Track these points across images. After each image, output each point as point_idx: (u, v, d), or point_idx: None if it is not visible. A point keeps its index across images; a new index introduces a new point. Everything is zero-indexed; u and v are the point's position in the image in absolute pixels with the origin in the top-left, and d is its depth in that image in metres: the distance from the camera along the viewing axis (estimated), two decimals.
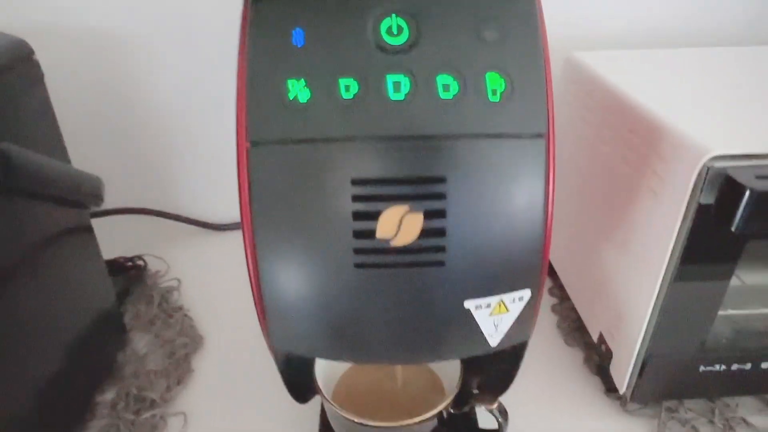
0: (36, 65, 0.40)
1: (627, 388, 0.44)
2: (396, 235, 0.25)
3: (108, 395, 0.49)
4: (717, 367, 0.42)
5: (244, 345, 0.54)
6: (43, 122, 0.41)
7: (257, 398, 0.48)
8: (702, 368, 0.42)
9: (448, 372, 0.38)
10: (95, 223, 0.50)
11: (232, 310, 0.58)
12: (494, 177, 0.25)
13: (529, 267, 0.27)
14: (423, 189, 0.25)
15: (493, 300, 0.27)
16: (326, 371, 0.36)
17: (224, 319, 0.57)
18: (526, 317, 0.29)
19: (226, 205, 0.74)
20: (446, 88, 0.24)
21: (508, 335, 0.29)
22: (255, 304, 0.30)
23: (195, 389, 0.50)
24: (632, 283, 0.42)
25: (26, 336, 0.38)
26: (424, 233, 0.25)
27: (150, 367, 0.51)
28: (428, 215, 0.25)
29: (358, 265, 0.26)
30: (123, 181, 0.71)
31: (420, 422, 0.33)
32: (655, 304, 0.39)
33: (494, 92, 0.25)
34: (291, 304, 0.27)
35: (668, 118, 0.37)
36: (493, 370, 0.36)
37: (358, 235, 0.25)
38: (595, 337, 0.49)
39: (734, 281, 0.38)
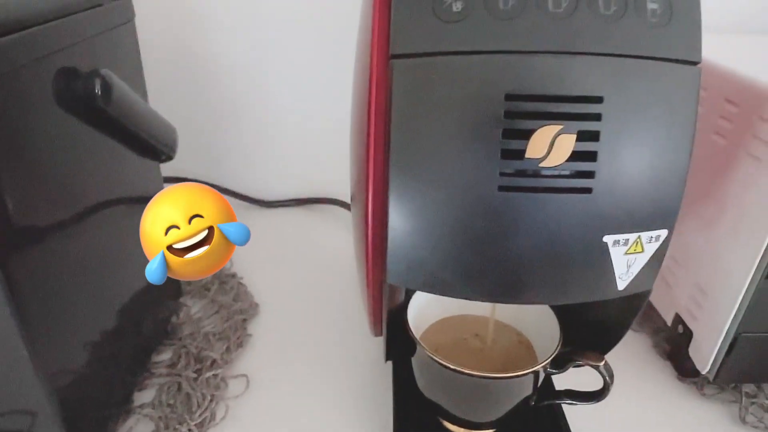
0: (129, 2, 0.39)
1: (710, 369, 0.42)
2: (546, 156, 0.24)
3: (164, 356, 0.47)
4: None
5: (302, 312, 0.53)
6: (130, 62, 0.41)
7: (318, 364, 0.47)
8: None
9: (538, 335, 0.37)
10: None
11: (285, 281, 0.57)
12: (648, 102, 0.24)
13: (669, 205, 0.26)
14: (579, 108, 0.24)
15: (632, 237, 0.26)
16: (414, 327, 0.35)
17: (279, 288, 0.56)
18: (655, 262, 0.28)
19: (273, 181, 0.73)
20: (607, 3, 0.23)
21: (635, 280, 0.28)
22: (368, 231, 0.29)
23: (255, 353, 0.48)
24: (722, 258, 0.40)
25: (88, 290, 0.37)
26: (575, 156, 0.24)
27: (207, 330, 0.49)
28: (580, 137, 0.24)
29: (502, 188, 0.24)
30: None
31: (515, 377, 0.32)
32: (753, 277, 0.38)
33: (654, 12, 0.24)
34: (420, 231, 0.26)
35: None
36: (598, 326, 0.35)
37: (506, 155, 0.24)
38: (669, 319, 0.47)
39: None
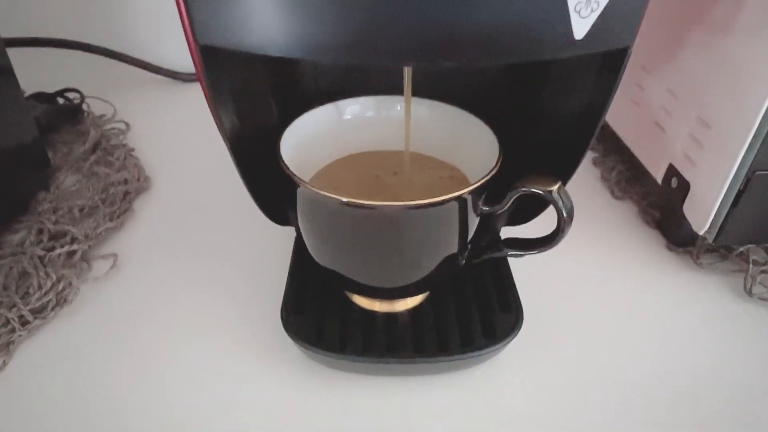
0: None
1: (711, 227, 0.32)
2: None
3: (18, 236, 0.37)
4: None
5: (202, 192, 0.42)
6: None
7: (210, 247, 0.37)
8: None
9: (476, 166, 0.26)
10: (27, 53, 0.43)
11: (190, 159, 0.46)
12: None
13: None
14: None
15: None
16: (299, 166, 0.24)
17: (181, 165, 0.45)
18: None
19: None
20: None
21: (602, 24, 0.17)
22: None
23: (136, 231, 0.38)
24: (736, 72, 0.30)
25: None
26: None
27: (75, 204, 0.39)
28: None
29: None
30: (70, 11, 0.58)
31: (431, 205, 0.21)
32: None
33: None
34: None
35: None
36: (553, 137, 0.24)
37: None
38: (660, 176, 0.37)
39: None
